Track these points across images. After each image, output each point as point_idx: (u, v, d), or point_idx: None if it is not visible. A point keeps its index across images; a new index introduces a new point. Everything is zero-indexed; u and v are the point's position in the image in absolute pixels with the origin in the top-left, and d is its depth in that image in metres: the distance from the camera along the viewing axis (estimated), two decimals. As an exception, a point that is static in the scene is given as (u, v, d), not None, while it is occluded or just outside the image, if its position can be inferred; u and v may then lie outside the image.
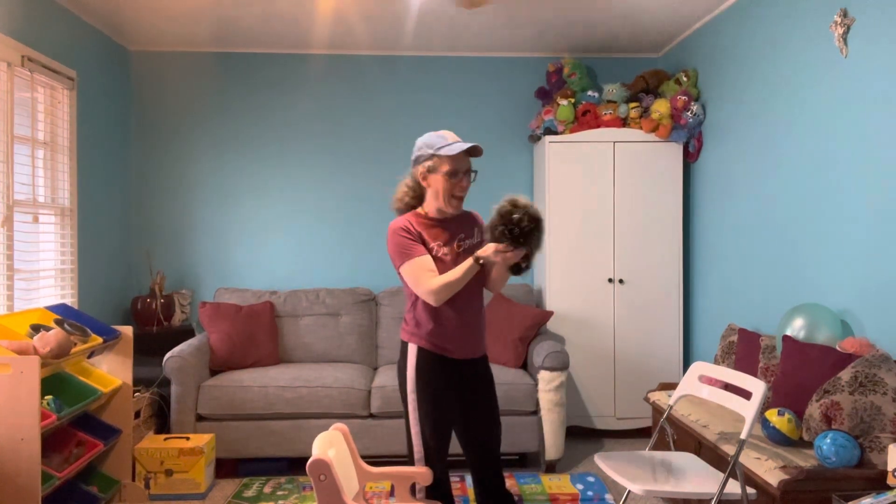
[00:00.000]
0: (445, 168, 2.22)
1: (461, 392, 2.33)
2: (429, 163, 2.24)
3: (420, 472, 2.21)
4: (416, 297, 2.27)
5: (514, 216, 2.01)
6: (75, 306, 3.74)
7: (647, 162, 4.19)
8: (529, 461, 3.80)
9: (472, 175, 2.28)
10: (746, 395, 2.28)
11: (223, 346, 3.89)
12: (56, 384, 2.88)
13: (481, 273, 2.25)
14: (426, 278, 2.18)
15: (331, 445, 2.13)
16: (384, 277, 4.59)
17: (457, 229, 2.32)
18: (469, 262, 2.15)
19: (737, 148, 3.67)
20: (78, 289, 3.79)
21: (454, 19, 3.99)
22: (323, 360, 4.15)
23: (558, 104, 4.24)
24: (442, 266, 2.23)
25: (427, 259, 2.22)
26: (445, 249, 2.27)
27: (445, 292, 2.17)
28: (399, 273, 2.27)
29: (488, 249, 2.09)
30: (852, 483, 2.19)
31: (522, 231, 2.01)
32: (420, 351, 2.28)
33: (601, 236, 4.19)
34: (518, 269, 2.15)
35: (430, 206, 2.30)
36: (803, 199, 3.06)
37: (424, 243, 2.25)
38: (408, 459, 2.30)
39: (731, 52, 3.73)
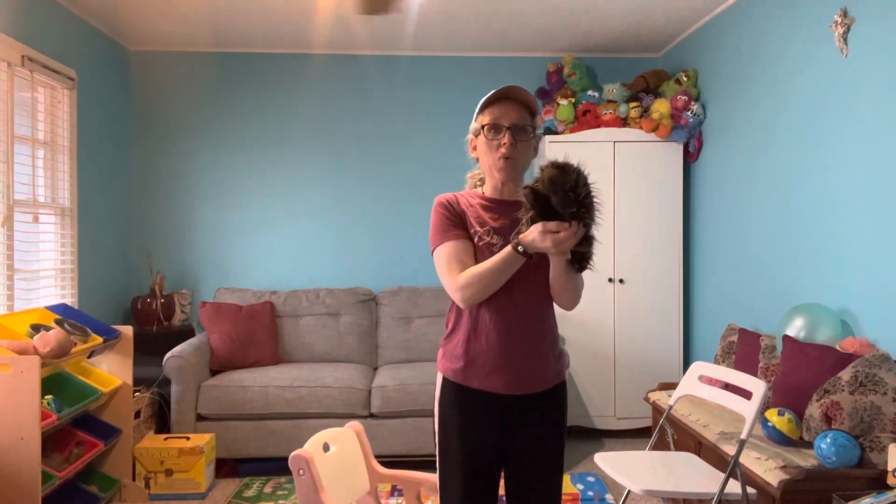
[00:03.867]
0: (485, 121, 1.73)
1: (507, 438, 1.73)
2: (473, 125, 1.78)
3: (428, 480, 2.19)
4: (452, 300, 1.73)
5: (568, 179, 1.44)
6: (75, 306, 3.74)
7: (647, 162, 4.19)
8: (529, 461, 3.80)
9: (529, 132, 1.70)
10: (746, 395, 2.28)
11: (223, 346, 3.89)
12: (56, 384, 2.88)
13: (541, 275, 1.65)
14: (453, 270, 1.64)
15: (334, 442, 2.12)
16: (384, 277, 4.59)
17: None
18: (507, 249, 1.57)
19: (737, 148, 3.67)
20: (78, 289, 3.79)
21: (454, 19, 3.99)
22: (323, 360, 4.15)
23: (558, 104, 4.24)
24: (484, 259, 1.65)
25: (460, 245, 1.67)
26: (495, 239, 1.67)
27: (475, 289, 1.61)
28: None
29: (532, 231, 1.50)
30: (852, 483, 2.19)
31: (578, 199, 1.44)
32: (445, 383, 1.74)
33: (601, 236, 4.17)
34: (581, 259, 1.55)
35: (487, 182, 1.79)
36: (803, 199, 3.06)
37: (467, 227, 1.71)
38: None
39: (731, 52, 3.73)
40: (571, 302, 1.71)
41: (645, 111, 4.22)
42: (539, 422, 1.73)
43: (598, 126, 4.21)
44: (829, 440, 2.27)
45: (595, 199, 1.48)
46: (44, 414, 2.54)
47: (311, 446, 2.02)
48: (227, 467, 3.66)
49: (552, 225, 1.46)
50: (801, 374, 2.60)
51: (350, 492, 2.12)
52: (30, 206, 3.40)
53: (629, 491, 2.51)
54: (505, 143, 1.68)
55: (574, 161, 1.51)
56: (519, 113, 1.70)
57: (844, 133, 2.78)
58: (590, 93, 4.26)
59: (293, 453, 1.93)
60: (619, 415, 4.22)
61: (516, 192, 1.68)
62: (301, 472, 1.93)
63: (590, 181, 1.48)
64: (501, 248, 1.61)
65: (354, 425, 2.25)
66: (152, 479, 3.27)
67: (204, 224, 4.59)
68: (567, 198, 1.44)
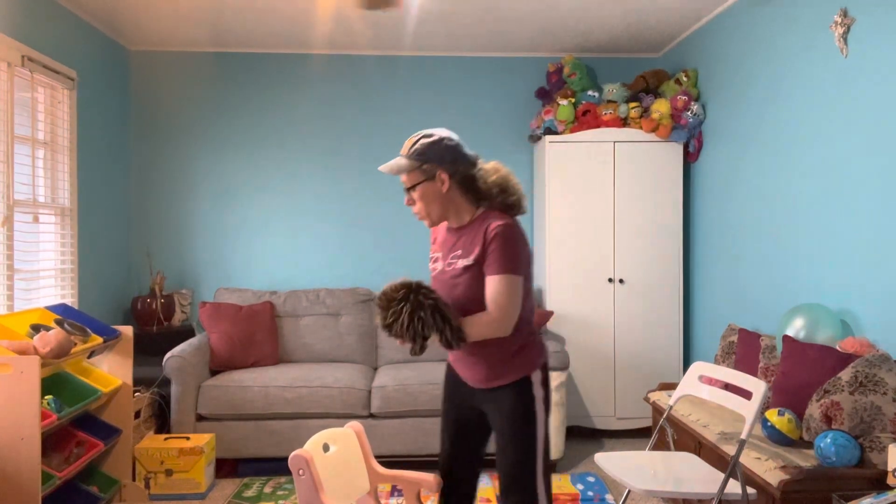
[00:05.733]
0: None
1: (482, 414, 2.09)
2: None
3: (427, 480, 2.19)
4: None
5: (384, 316, 1.83)
6: (75, 306, 3.74)
7: (647, 162, 4.19)
8: (529, 461, 3.80)
9: (414, 186, 1.95)
10: (746, 395, 2.28)
11: (223, 346, 3.89)
12: (56, 384, 2.88)
13: (473, 308, 1.92)
14: None
15: (334, 442, 2.12)
16: (384, 277, 4.58)
17: (459, 243, 1.97)
18: None
19: (737, 148, 3.67)
20: (78, 289, 3.79)
21: (454, 19, 3.99)
22: (323, 360, 4.15)
23: (558, 104, 4.24)
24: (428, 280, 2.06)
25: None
26: (437, 265, 2.04)
27: None
28: None
29: None
30: (852, 483, 2.19)
31: (393, 332, 1.83)
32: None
33: (601, 236, 4.19)
34: (448, 344, 1.83)
35: None
36: (803, 199, 3.06)
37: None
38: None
39: (731, 52, 3.73)
40: (493, 337, 1.91)
41: (645, 111, 4.22)
42: (497, 410, 1.99)
43: (598, 126, 4.21)
44: (829, 440, 2.27)
45: (415, 323, 1.78)
46: (44, 414, 2.54)
47: (311, 446, 2.02)
48: (227, 467, 3.66)
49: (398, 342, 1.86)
50: (801, 374, 2.61)
51: (350, 492, 2.12)
52: (30, 206, 3.40)
53: (629, 491, 2.52)
54: (409, 205, 1.99)
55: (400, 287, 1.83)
56: (405, 177, 1.96)
57: (844, 133, 2.78)
58: (590, 93, 4.26)
59: (293, 453, 1.94)
60: (619, 415, 4.22)
61: (452, 223, 2.02)
62: (301, 472, 1.93)
63: (412, 307, 1.78)
64: (434, 269, 2.04)
65: (354, 425, 2.25)
66: (152, 479, 3.27)
67: (204, 224, 4.59)
68: (386, 329, 1.83)
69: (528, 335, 2.00)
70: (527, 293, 1.95)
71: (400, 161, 1.92)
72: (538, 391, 1.98)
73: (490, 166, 2.01)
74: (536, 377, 1.99)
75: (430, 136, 1.93)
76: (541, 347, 2.03)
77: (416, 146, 1.92)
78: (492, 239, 1.86)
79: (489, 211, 1.96)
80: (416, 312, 1.78)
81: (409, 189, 1.95)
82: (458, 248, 1.95)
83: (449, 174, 1.92)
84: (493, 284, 1.86)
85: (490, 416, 2.02)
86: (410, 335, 1.80)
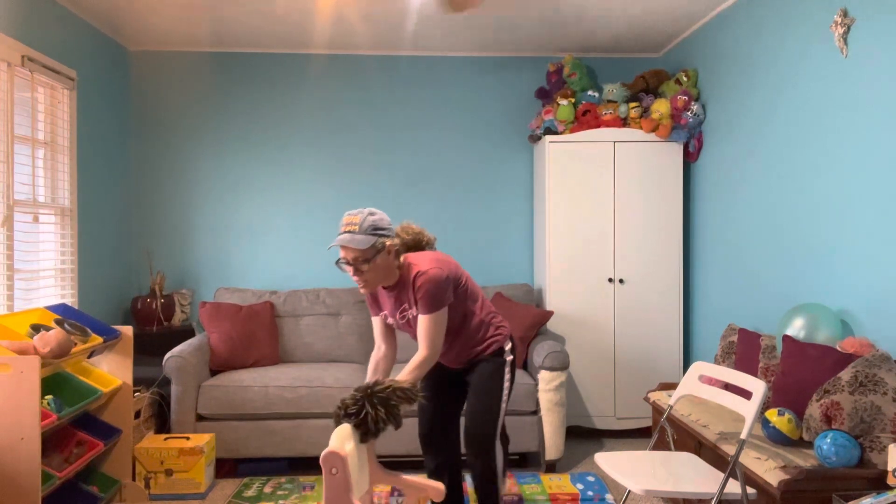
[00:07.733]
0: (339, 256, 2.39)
1: (461, 384, 2.64)
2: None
3: (434, 487, 2.16)
4: None
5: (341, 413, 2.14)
6: (75, 306, 3.74)
7: (647, 162, 4.19)
8: (529, 461, 3.80)
9: (349, 266, 2.27)
10: (746, 395, 2.28)
11: (223, 346, 3.89)
12: (56, 384, 2.88)
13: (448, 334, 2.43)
14: None
15: (349, 440, 2.09)
16: (384, 277, 4.59)
17: (402, 297, 2.39)
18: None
19: (737, 148, 3.67)
20: (78, 289, 3.79)
21: (454, 19, 3.99)
22: (323, 360, 4.15)
23: (558, 104, 4.24)
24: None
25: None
26: (391, 320, 2.48)
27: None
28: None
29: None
30: (852, 483, 2.20)
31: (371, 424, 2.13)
32: None
33: (601, 236, 4.19)
34: (412, 400, 2.19)
35: None
36: (803, 199, 3.06)
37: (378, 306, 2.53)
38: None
39: (731, 52, 3.73)
40: (434, 360, 2.35)
41: (645, 111, 4.22)
42: (476, 373, 2.52)
43: (598, 126, 4.21)
44: (829, 440, 2.27)
45: (394, 408, 2.12)
46: (44, 414, 2.54)
47: (341, 443, 1.91)
48: (227, 467, 3.66)
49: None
50: (801, 374, 2.61)
51: (358, 491, 2.09)
52: (30, 206, 3.40)
53: (629, 491, 2.52)
54: (353, 277, 2.28)
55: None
56: (355, 253, 2.22)
57: (844, 133, 2.78)
58: (590, 93, 4.26)
59: (327, 450, 1.84)
60: (619, 415, 4.22)
61: (386, 283, 2.38)
62: (334, 470, 1.85)
63: (380, 402, 2.10)
64: (385, 317, 2.51)
65: None
66: (152, 479, 3.27)
67: (204, 224, 4.59)
68: (373, 424, 2.11)
69: (492, 318, 2.53)
70: (474, 289, 2.49)
71: (357, 237, 2.20)
72: (508, 356, 2.53)
73: (399, 228, 2.46)
74: (507, 345, 2.54)
75: (373, 213, 2.26)
76: (503, 324, 2.57)
77: (367, 222, 2.22)
78: (418, 290, 2.29)
79: (408, 259, 2.36)
80: (387, 405, 2.09)
81: (365, 262, 2.22)
82: (403, 301, 2.36)
83: (394, 244, 2.28)
84: (423, 323, 2.29)
85: (469, 378, 2.52)
86: (393, 419, 2.11)
